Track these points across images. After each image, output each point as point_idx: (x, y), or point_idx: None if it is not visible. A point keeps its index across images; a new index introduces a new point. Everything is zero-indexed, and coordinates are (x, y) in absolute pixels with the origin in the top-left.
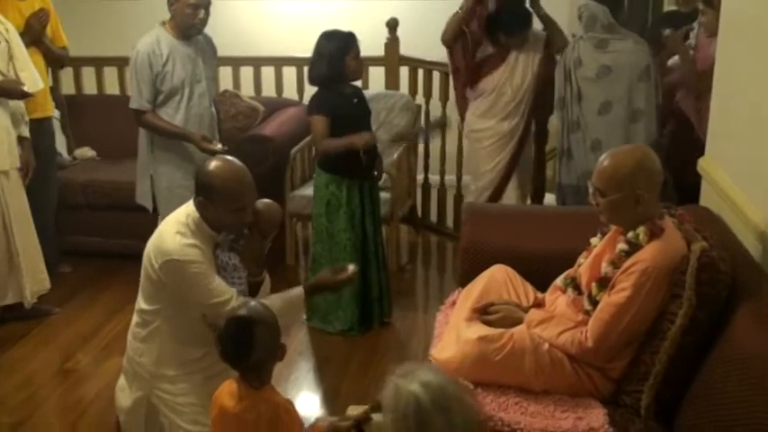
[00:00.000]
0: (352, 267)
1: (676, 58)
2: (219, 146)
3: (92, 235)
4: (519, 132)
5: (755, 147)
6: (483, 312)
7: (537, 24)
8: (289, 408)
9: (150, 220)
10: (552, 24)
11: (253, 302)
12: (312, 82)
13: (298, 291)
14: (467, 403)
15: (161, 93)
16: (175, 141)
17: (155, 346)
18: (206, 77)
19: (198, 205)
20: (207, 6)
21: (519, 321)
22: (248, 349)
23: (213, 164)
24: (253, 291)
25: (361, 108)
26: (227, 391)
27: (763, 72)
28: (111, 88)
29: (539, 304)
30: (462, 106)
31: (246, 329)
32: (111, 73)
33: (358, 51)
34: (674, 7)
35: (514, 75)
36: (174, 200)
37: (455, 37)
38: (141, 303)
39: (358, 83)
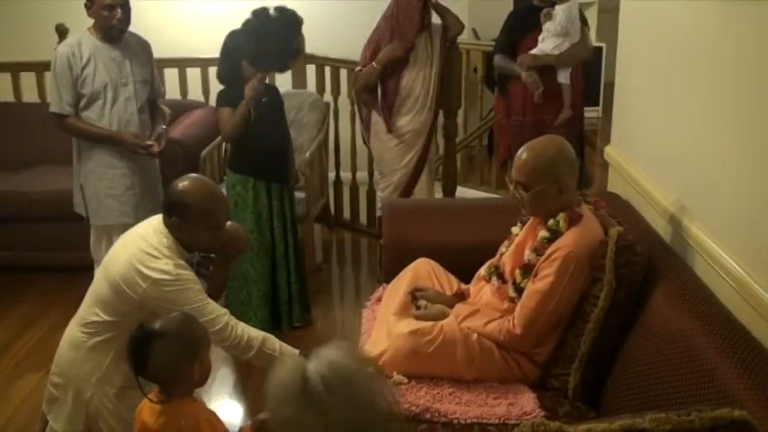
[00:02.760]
0: None
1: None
2: (151, 142)
3: None
4: (428, 127)
5: (660, 134)
6: (413, 298)
7: (435, 18)
8: (211, 419)
9: (57, 231)
10: (444, 11)
11: (175, 316)
12: (218, 80)
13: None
14: (373, 386)
15: (83, 96)
16: (100, 148)
17: (102, 356)
18: (135, 81)
19: (171, 226)
20: (124, 5)
21: (443, 312)
22: (144, 359)
23: (184, 182)
24: None
25: (270, 106)
26: (148, 406)
27: (665, 61)
28: (5, 95)
29: (462, 294)
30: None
31: (145, 340)
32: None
33: None
34: None
35: (421, 71)
36: (101, 210)
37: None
38: (95, 315)
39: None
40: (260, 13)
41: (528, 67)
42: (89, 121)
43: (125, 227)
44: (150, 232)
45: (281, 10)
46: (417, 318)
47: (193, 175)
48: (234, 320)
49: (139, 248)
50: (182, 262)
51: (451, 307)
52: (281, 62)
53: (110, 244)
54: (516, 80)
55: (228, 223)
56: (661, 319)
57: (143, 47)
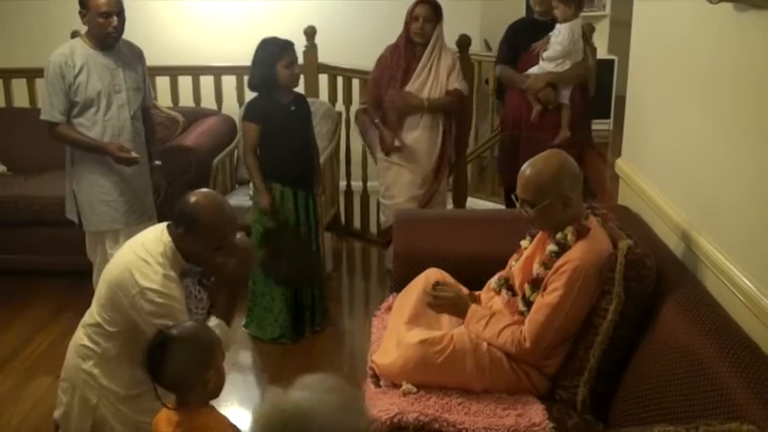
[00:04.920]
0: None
1: (535, 68)
2: (136, 155)
3: (4, 252)
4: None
5: (671, 147)
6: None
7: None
8: (229, 428)
9: (68, 235)
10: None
11: (189, 324)
12: (249, 87)
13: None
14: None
15: (75, 104)
16: (93, 155)
17: (105, 363)
18: (128, 88)
19: (176, 236)
20: (120, 13)
21: (464, 310)
22: (160, 366)
23: (199, 197)
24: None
25: (297, 116)
26: (165, 416)
27: (677, 74)
28: (21, 101)
29: (475, 299)
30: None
31: (161, 346)
32: (19, 85)
33: (292, 60)
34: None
35: (424, 88)
36: (94, 216)
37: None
38: (97, 319)
39: (301, 90)
40: None
41: (536, 91)
42: (81, 128)
43: (116, 233)
44: (152, 239)
45: None
46: (435, 297)
47: (209, 191)
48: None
49: (137, 255)
50: (172, 274)
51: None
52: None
53: (103, 249)
54: (514, 93)
55: (239, 237)
56: (671, 332)
57: (135, 53)
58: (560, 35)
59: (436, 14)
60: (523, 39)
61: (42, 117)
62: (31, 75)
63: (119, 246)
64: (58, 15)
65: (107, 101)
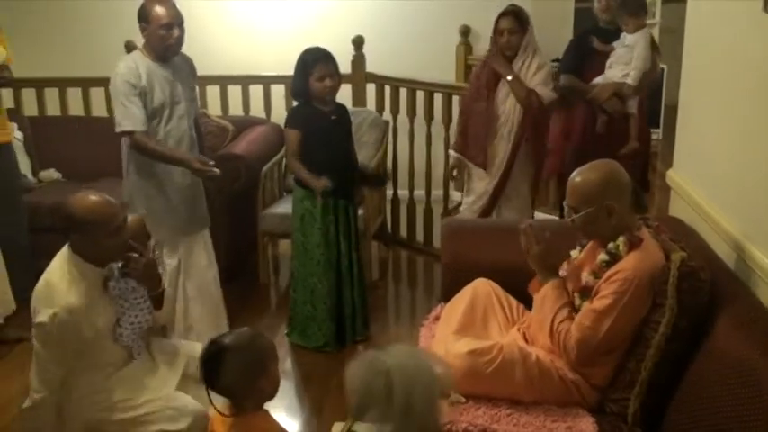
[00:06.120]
0: None
1: (599, 78)
2: (216, 169)
3: None
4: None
5: (725, 157)
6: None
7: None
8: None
9: None
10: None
11: (243, 332)
12: (291, 95)
13: None
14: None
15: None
16: (159, 164)
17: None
18: (186, 99)
19: (74, 245)
20: (180, 24)
21: (554, 267)
22: (215, 374)
23: (66, 200)
24: (158, 302)
25: (338, 125)
26: (219, 419)
27: (731, 82)
28: (76, 109)
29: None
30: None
31: (216, 355)
32: (74, 94)
33: (324, 73)
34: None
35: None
36: (153, 226)
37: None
38: None
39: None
40: None
41: (601, 101)
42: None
43: (174, 242)
44: (59, 261)
45: None
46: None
47: (72, 195)
48: (44, 404)
49: (44, 281)
50: (60, 312)
51: None
52: None
53: (159, 259)
54: (580, 104)
55: (130, 218)
56: (725, 346)
57: (188, 64)
58: (637, 46)
59: (521, 25)
60: (589, 48)
61: (123, 128)
62: (86, 84)
63: (176, 255)
64: (111, 26)
65: (169, 112)
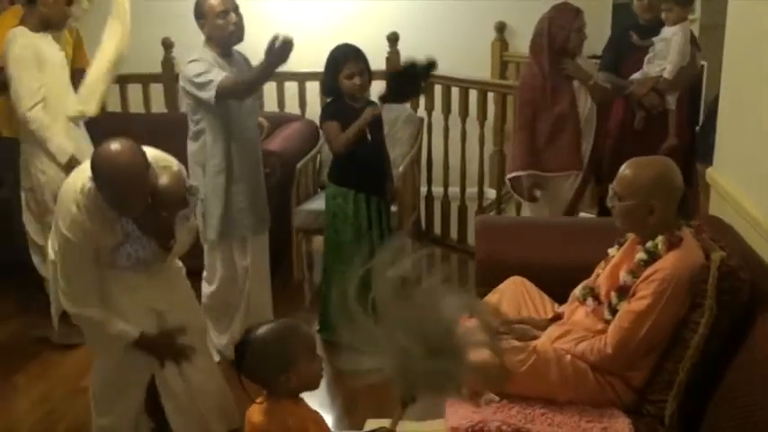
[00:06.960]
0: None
1: (638, 74)
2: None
3: None
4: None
5: (766, 156)
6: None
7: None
8: (317, 419)
9: None
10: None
11: (275, 324)
12: (321, 92)
13: None
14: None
15: None
16: (230, 164)
17: None
18: (251, 96)
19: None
20: (236, 9)
21: (535, 338)
22: (241, 363)
23: (107, 152)
24: (165, 253)
25: (371, 122)
26: (257, 407)
27: None
28: (136, 106)
29: (558, 316)
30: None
31: (244, 342)
32: (135, 90)
33: (353, 70)
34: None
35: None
36: (226, 225)
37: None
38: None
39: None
40: None
41: (640, 96)
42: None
43: (244, 240)
44: (80, 179)
45: None
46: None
47: (118, 143)
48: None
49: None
50: (76, 233)
51: (543, 329)
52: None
53: (228, 259)
54: (618, 100)
55: (163, 178)
56: (765, 347)
57: (246, 61)
58: (674, 38)
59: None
60: (627, 44)
61: (208, 94)
62: (146, 80)
63: (248, 255)
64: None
65: (237, 109)
